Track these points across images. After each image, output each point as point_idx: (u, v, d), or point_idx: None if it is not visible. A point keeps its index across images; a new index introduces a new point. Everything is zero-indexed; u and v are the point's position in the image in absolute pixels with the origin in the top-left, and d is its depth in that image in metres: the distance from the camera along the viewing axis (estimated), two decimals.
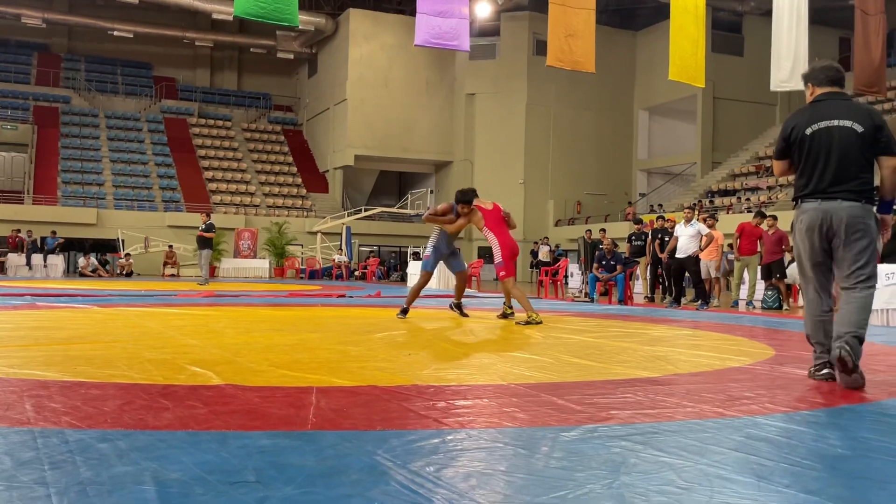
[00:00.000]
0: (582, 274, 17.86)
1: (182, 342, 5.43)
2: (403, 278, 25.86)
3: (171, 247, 28.29)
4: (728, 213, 25.27)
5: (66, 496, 1.87)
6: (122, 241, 28.95)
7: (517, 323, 7.63)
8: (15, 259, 24.68)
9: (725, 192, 29.35)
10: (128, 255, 27.31)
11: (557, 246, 29.71)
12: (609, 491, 2.03)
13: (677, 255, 12.18)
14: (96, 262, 26.39)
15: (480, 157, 35.34)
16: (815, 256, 4.04)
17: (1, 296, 10.98)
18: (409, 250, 30.71)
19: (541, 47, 30.37)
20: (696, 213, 14.39)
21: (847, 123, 3.96)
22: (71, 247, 29.16)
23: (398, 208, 34.87)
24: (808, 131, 4.03)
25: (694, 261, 12.02)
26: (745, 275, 13.19)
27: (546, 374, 4.19)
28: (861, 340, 3.83)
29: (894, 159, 3.94)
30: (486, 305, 11.21)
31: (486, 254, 26.26)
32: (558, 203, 35.13)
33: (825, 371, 4.00)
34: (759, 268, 12.76)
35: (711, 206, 26.89)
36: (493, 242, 8.12)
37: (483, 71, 35.09)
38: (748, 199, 26.92)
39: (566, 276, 18.87)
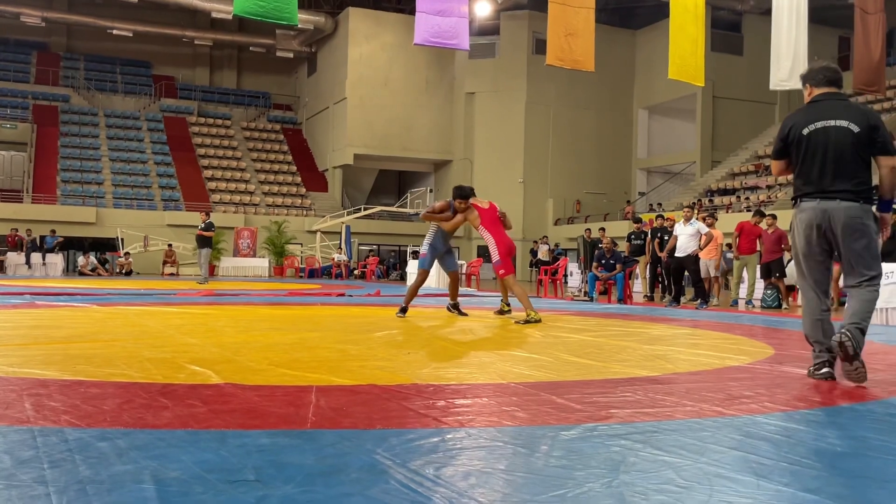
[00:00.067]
0: (581, 273, 17.86)
1: (181, 341, 5.43)
2: (403, 277, 25.86)
3: (170, 246, 28.28)
4: (727, 212, 25.28)
5: (66, 495, 1.87)
6: (122, 239, 28.94)
7: (516, 322, 7.63)
8: (14, 258, 24.67)
9: (725, 192, 29.35)
10: (127, 253, 27.30)
11: (557, 245, 29.72)
12: (608, 490, 2.03)
13: (677, 254, 12.18)
14: (96, 261, 26.38)
15: (480, 156, 35.34)
16: (813, 256, 4.05)
17: (0, 294, 10.97)
18: (409, 249, 30.72)
19: (540, 46, 30.36)
20: (696, 212, 14.40)
21: (843, 123, 3.99)
22: (70, 246, 29.15)
23: (397, 207, 34.87)
24: (806, 131, 4.06)
25: (693, 260, 12.03)
26: (745, 274, 13.19)
27: (545, 372, 4.19)
28: (863, 332, 3.87)
29: (891, 159, 3.97)
30: (485, 304, 11.21)
31: (485, 253, 26.24)
32: (558, 202, 35.13)
33: (824, 370, 4.01)
34: (758, 267, 12.76)
35: (711, 205, 26.89)
36: (490, 241, 8.14)
37: (482, 70, 35.08)
38: (747, 199, 26.93)
39: (565, 276, 18.87)
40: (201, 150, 36.92)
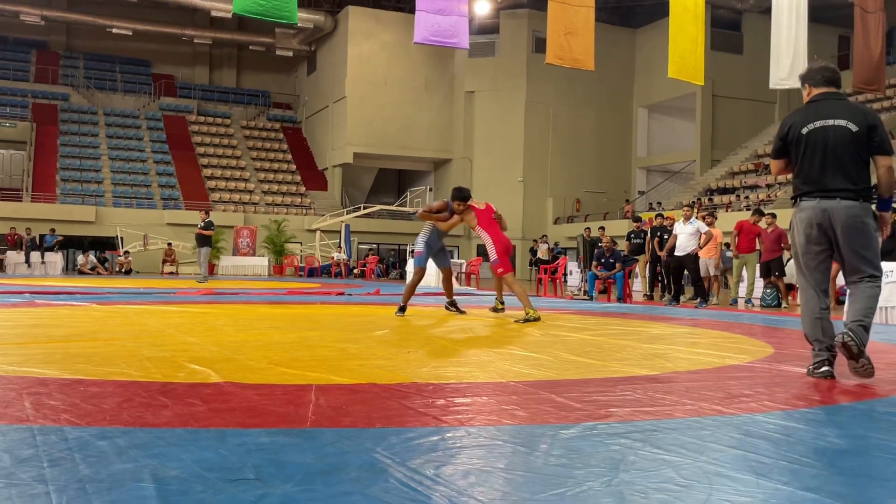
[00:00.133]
0: (581, 272, 17.86)
1: (181, 340, 5.43)
2: (402, 276, 25.86)
3: (169, 244, 28.27)
4: (727, 210, 25.28)
5: (66, 493, 1.87)
6: (121, 238, 28.93)
7: (516, 321, 7.63)
8: (14, 257, 24.66)
9: (724, 190, 29.35)
10: (127, 252, 27.29)
11: (556, 244, 29.72)
12: (608, 488, 2.03)
13: (676, 253, 12.18)
14: (95, 260, 26.37)
15: (479, 155, 35.34)
16: (813, 254, 4.07)
17: (0, 293, 10.97)
18: (408, 248, 30.71)
19: (540, 45, 30.36)
20: (695, 210, 14.40)
21: (842, 123, 4.01)
22: (70, 244, 29.14)
23: (397, 206, 34.87)
24: (805, 130, 4.09)
25: (693, 259, 12.03)
26: (744, 272, 13.19)
27: (545, 371, 4.19)
28: (866, 329, 3.89)
29: (888, 158, 4.02)
30: (485, 303, 11.21)
31: (485, 252, 26.27)
32: (557, 201, 35.14)
33: (824, 369, 4.02)
34: (757, 265, 12.76)
35: (710, 204, 26.89)
36: (487, 240, 8.17)
37: (482, 69, 35.07)
38: (747, 197, 26.93)
39: (565, 274, 18.87)
40: (201, 149, 36.91)
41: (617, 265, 13.25)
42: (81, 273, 24.92)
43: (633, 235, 15.04)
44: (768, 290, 12.57)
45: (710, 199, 28.42)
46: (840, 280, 10.45)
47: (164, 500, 1.83)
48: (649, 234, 14.20)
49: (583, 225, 26.00)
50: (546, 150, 35.22)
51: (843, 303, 9.88)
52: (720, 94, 33.59)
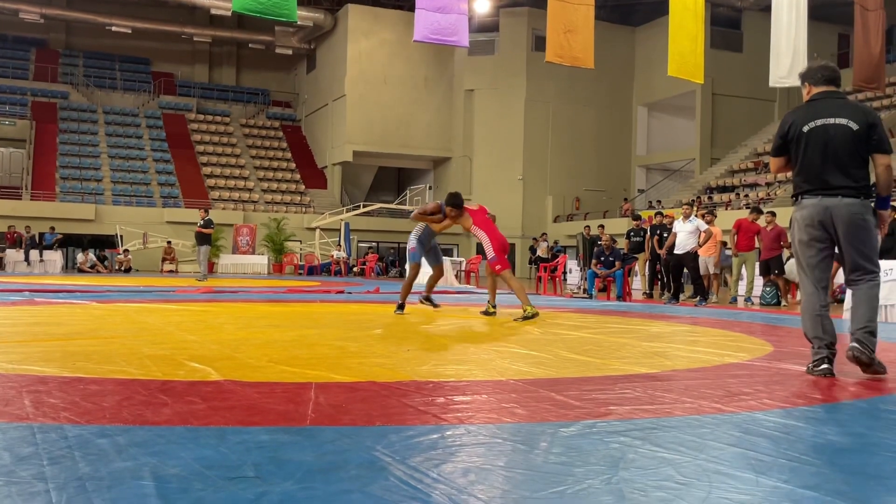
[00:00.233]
0: (580, 270, 17.86)
1: (181, 338, 5.43)
2: (402, 274, 25.84)
3: (169, 243, 28.27)
4: (727, 209, 25.28)
5: (65, 491, 1.87)
6: (121, 236, 28.92)
7: (515, 319, 7.63)
8: (13, 255, 24.66)
9: (724, 189, 29.34)
10: (126, 250, 27.29)
11: (556, 242, 29.71)
12: (608, 486, 2.03)
13: (676, 252, 12.18)
14: (95, 258, 26.36)
15: (479, 154, 35.33)
16: (814, 252, 4.09)
17: (0, 291, 10.98)
18: (408, 246, 30.67)
19: (540, 43, 30.32)
20: (695, 209, 14.40)
21: (843, 121, 4.05)
22: (69, 242, 29.13)
23: (397, 204, 34.85)
24: (806, 129, 4.11)
25: (692, 257, 12.03)
26: (744, 271, 13.19)
27: (545, 369, 4.19)
28: (873, 333, 3.94)
29: (887, 157, 4.06)
30: (484, 302, 11.19)
31: (483, 250, 26.25)
32: (557, 199, 35.13)
33: (823, 366, 4.02)
34: (756, 264, 12.76)
35: (710, 203, 26.89)
36: (483, 238, 8.17)
37: (482, 67, 35.06)
38: (747, 196, 26.92)
39: (565, 273, 18.87)
40: (200, 147, 36.90)
41: (616, 263, 13.25)
42: (81, 271, 24.91)
43: (632, 234, 15.04)
44: (768, 289, 12.57)
45: (710, 198, 28.42)
46: (838, 279, 10.44)
47: (163, 498, 1.83)
48: (649, 233, 14.20)
49: (582, 223, 25.98)
50: (546, 149, 35.22)
51: (841, 301, 9.89)
52: (720, 93, 33.58)
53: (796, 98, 31.52)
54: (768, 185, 27.22)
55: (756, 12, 32.44)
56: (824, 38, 31.63)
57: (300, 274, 28.97)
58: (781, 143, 4.24)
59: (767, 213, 12.78)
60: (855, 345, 3.92)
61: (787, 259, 12.43)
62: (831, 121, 4.05)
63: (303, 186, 36.69)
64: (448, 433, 2.62)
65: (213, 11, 34.05)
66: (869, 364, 3.92)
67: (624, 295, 13.06)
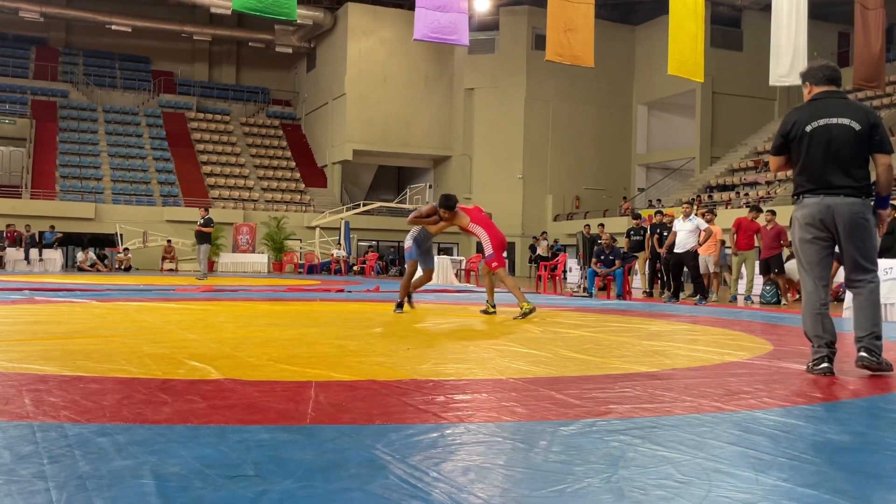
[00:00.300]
0: (580, 269, 17.86)
1: (181, 337, 5.43)
2: (402, 273, 25.82)
3: (169, 241, 28.27)
4: (727, 208, 25.27)
5: (65, 490, 1.87)
6: (121, 235, 28.92)
7: (514, 318, 7.63)
8: (13, 254, 24.66)
9: (724, 187, 29.34)
10: (126, 249, 27.29)
11: (556, 241, 29.71)
12: (608, 485, 2.03)
13: (676, 250, 12.18)
14: (95, 257, 26.36)
15: (479, 152, 35.32)
16: (814, 250, 4.12)
17: (0, 290, 10.98)
18: None
19: (540, 42, 30.32)
20: (695, 207, 14.40)
21: (845, 121, 4.07)
22: (69, 241, 29.13)
23: (397, 203, 34.86)
24: (809, 128, 4.13)
25: (692, 256, 12.03)
26: (743, 269, 13.19)
27: (544, 368, 4.19)
28: (879, 337, 4.02)
29: (888, 157, 4.10)
30: (484, 300, 11.20)
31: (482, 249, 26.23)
32: (557, 198, 35.13)
33: (823, 365, 4.03)
34: (756, 262, 12.76)
35: (710, 201, 26.89)
36: (482, 235, 8.17)
37: (482, 65, 35.04)
38: (747, 195, 26.91)
39: (565, 271, 18.87)
40: (200, 146, 36.89)
41: (616, 262, 13.25)
42: (81, 270, 24.91)
43: (632, 232, 15.04)
44: (767, 287, 12.57)
45: (710, 196, 28.42)
46: (838, 278, 10.45)
47: (164, 497, 1.83)
48: (649, 231, 14.20)
49: (582, 222, 25.98)
50: (546, 147, 35.21)
51: (842, 300, 9.89)
52: (720, 91, 33.57)
53: (796, 97, 31.54)
54: (768, 183, 27.22)
55: (756, 11, 32.42)
56: (824, 37, 31.62)
57: (300, 273, 28.98)
58: (783, 141, 4.25)
59: (767, 211, 12.77)
60: (864, 354, 4.00)
61: (787, 258, 12.43)
62: (834, 121, 4.08)
63: (303, 185, 36.68)
64: (448, 432, 2.62)
65: (213, 10, 34.03)
66: (878, 368, 4.02)
67: (624, 294, 13.06)
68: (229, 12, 32.12)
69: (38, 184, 31.63)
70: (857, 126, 4.04)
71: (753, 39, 32.38)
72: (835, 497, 1.96)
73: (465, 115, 35.59)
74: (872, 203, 4.11)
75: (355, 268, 29.66)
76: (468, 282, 19.49)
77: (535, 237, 28.62)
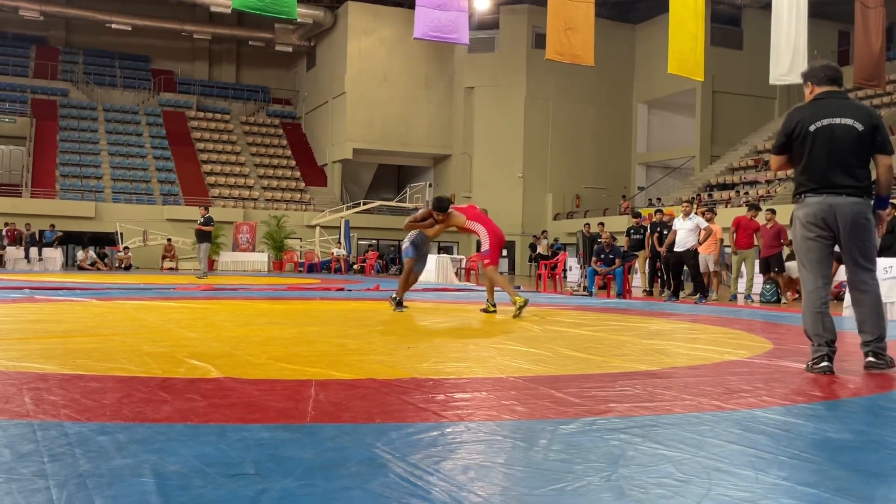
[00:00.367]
0: (580, 268, 17.86)
1: (181, 335, 5.43)
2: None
3: (169, 240, 28.27)
4: (727, 206, 25.26)
5: (66, 488, 1.87)
6: (121, 234, 28.92)
7: (514, 316, 7.64)
8: (13, 252, 24.66)
9: (724, 186, 29.33)
10: (126, 248, 27.29)
11: (556, 240, 29.72)
12: (607, 483, 2.03)
13: (676, 249, 12.18)
14: (95, 256, 26.35)
15: (479, 151, 35.31)
16: (815, 249, 4.14)
17: (0, 289, 10.98)
18: None
19: (540, 40, 30.29)
20: (695, 206, 14.39)
21: (848, 121, 4.11)
22: (69, 240, 29.12)
23: (397, 202, 34.85)
24: (813, 128, 4.16)
25: (692, 254, 12.03)
26: (743, 268, 13.19)
27: (544, 367, 4.19)
28: (882, 338, 4.11)
29: (889, 158, 4.13)
30: (484, 299, 11.20)
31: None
32: (557, 197, 35.12)
33: (823, 364, 4.04)
34: (756, 261, 12.76)
35: (710, 200, 26.88)
36: (481, 231, 8.17)
37: (482, 64, 35.03)
38: (747, 193, 26.90)
39: (565, 270, 18.88)
40: (200, 145, 36.88)
41: (616, 261, 13.25)
42: (81, 269, 24.90)
43: (632, 231, 15.03)
44: (767, 286, 12.57)
45: (710, 195, 28.41)
46: (839, 277, 10.45)
47: (164, 495, 1.83)
48: (649, 230, 14.19)
49: (582, 221, 25.98)
50: (546, 146, 35.19)
51: (842, 299, 9.89)
52: (720, 90, 33.54)
53: (796, 95, 31.58)
54: (768, 182, 27.21)
55: (756, 9, 32.40)
56: (824, 36, 31.60)
57: (300, 271, 28.98)
58: (786, 140, 4.27)
59: (767, 210, 12.77)
60: (872, 359, 4.09)
61: (787, 257, 12.43)
62: (837, 121, 4.10)
63: (303, 184, 36.68)
64: (448, 430, 2.63)
65: (213, 9, 33.99)
66: (885, 367, 4.11)
67: (624, 292, 13.07)
68: (229, 11, 32.08)
69: (39, 182, 31.63)
70: (860, 126, 4.07)
71: (753, 38, 32.35)
72: (835, 495, 1.96)
73: (465, 114, 35.58)
74: (872, 203, 4.14)
75: (355, 266, 29.66)
76: (468, 280, 19.49)
77: (535, 236, 28.65)
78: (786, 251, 12.39)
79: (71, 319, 6.59)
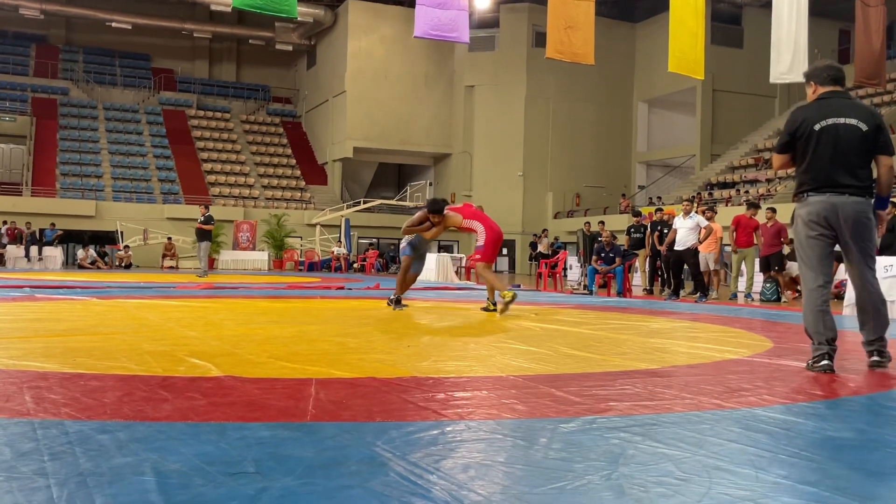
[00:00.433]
0: (581, 266, 17.86)
1: (181, 334, 5.43)
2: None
3: (169, 239, 28.27)
4: (727, 205, 25.26)
5: (66, 487, 1.87)
6: (121, 233, 28.92)
7: (501, 312, 7.67)
8: (13, 251, 24.67)
9: (724, 185, 29.33)
10: (126, 247, 27.29)
11: (556, 238, 29.71)
12: (608, 482, 2.03)
13: (676, 248, 12.18)
14: (95, 254, 26.35)
15: (479, 150, 35.31)
16: (816, 248, 4.15)
17: (0, 287, 10.97)
18: None
19: (540, 39, 30.27)
20: (695, 205, 14.38)
21: (853, 122, 4.13)
22: (70, 239, 29.13)
23: (397, 200, 34.85)
24: (817, 127, 4.18)
25: (693, 253, 12.03)
26: (743, 267, 13.19)
27: (545, 365, 4.19)
28: (882, 338, 4.17)
29: (890, 158, 4.17)
30: (484, 298, 11.20)
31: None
32: (557, 195, 35.12)
33: (823, 363, 4.04)
34: (756, 260, 12.76)
35: (710, 199, 26.87)
36: (479, 229, 8.17)
37: (482, 63, 35.02)
38: (747, 192, 26.90)
39: (565, 269, 18.88)
40: (200, 144, 36.88)
41: (617, 259, 13.25)
42: (81, 267, 24.91)
43: (632, 230, 15.03)
44: (768, 285, 12.57)
45: (710, 194, 28.40)
46: (839, 275, 10.45)
47: (164, 494, 1.83)
48: (649, 229, 14.19)
49: (582, 219, 25.97)
50: (546, 145, 35.19)
51: (842, 297, 9.89)
52: (720, 89, 33.53)
53: (797, 94, 31.57)
54: (769, 181, 27.20)
55: (757, 8, 32.38)
56: (825, 34, 31.59)
57: (300, 270, 28.99)
58: (790, 139, 4.27)
59: (767, 209, 12.76)
60: (877, 359, 4.15)
61: (788, 256, 12.42)
62: (842, 121, 4.13)
63: (303, 182, 36.68)
64: (448, 429, 2.63)
65: (214, 7, 33.99)
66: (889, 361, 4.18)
67: (624, 291, 13.07)
68: (229, 9, 32.07)
69: (39, 181, 31.63)
70: (864, 127, 4.10)
71: (754, 37, 32.33)
72: (835, 494, 1.96)
73: (466, 113, 35.57)
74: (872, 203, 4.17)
75: (356, 265, 29.66)
76: (468, 279, 19.49)
77: (535, 235, 28.65)
78: (786, 250, 12.39)
79: (71, 318, 6.59)
